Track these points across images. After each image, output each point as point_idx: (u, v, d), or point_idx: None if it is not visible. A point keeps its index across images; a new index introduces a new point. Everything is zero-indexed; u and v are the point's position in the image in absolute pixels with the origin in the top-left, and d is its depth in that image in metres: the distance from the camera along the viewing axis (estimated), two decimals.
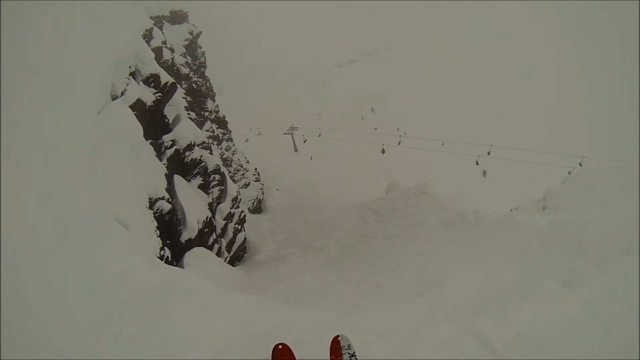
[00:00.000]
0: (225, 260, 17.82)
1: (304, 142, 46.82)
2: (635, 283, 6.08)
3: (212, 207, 18.15)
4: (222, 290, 7.66)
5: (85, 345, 4.42)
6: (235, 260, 19.88)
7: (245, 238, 20.70)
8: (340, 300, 12.01)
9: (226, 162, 28.33)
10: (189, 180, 16.95)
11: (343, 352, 4.98)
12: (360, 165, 42.23)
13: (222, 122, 31.33)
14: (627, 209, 10.23)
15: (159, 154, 14.64)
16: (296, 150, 48.13)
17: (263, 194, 30.68)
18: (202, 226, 15.65)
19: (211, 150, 19.23)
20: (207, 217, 16.25)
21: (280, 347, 4.83)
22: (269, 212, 29.72)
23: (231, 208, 19.59)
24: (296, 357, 4.87)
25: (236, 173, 29.22)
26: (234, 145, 32.11)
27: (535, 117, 51.36)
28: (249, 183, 29.82)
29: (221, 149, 28.78)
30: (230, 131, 32.93)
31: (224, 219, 18.81)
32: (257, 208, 29.33)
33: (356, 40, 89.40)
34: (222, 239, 18.32)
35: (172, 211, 12.96)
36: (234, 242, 19.54)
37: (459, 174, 37.42)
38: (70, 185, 6.36)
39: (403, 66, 76.41)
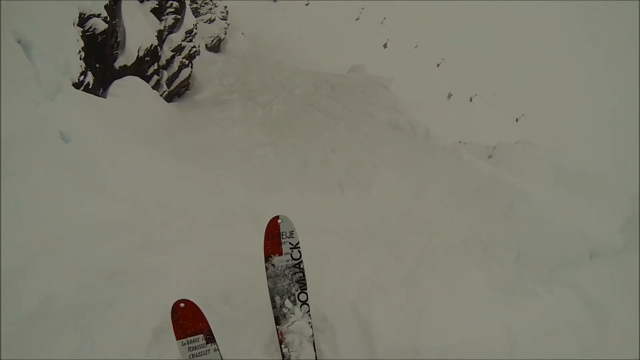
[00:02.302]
0: (162, 94, 16.98)
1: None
2: None
3: (162, 36, 16.89)
4: (114, 139, 7.19)
5: None
6: (175, 95, 19.02)
7: (190, 74, 19.58)
8: (258, 166, 11.67)
9: None
10: (141, 1, 15.53)
11: (283, 240, 3.87)
12: (334, 37, 40.27)
13: None
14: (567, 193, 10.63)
15: None
16: (275, 0, 45.02)
17: (226, 34, 28.95)
18: (144, 54, 14.57)
19: None
20: (151, 45, 15.10)
21: (182, 305, 3.50)
22: (227, 53, 28.30)
23: (183, 40, 18.29)
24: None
25: (203, 6, 27.23)
26: None
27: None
28: (214, 19, 27.90)
29: None
30: None
31: (172, 50, 17.59)
32: (216, 47, 27.78)
33: None
34: (165, 71, 17.28)
35: (109, 32, 11.85)
36: (177, 76, 18.49)
37: (427, 88, 36.47)
38: None
39: None
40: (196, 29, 19.63)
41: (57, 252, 4.26)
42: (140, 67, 14.72)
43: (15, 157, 4.66)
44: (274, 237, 3.89)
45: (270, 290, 3.80)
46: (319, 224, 7.61)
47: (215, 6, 28.85)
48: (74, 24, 9.46)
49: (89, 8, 10.28)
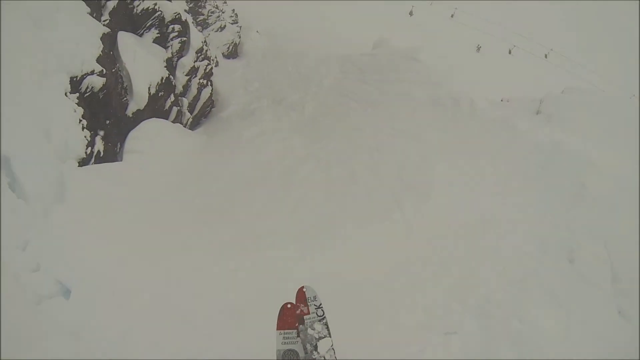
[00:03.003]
0: (186, 123, 15.96)
1: None
2: None
3: (172, 63, 15.77)
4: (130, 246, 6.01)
5: None
6: (201, 117, 18.01)
7: (211, 93, 18.48)
8: (303, 195, 10.29)
9: (199, 4, 24.98)
10: (141, 35, 14.40)
11: (309, 303, 4.66)
12: (353, 13, 37.74)
13: None
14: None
15: (99, 10, 12.01)
16: None
17: (240, 37, 27.60)
18: (156, 90, 13.53)
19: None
20: (162, 78, 14.03)
21: (288, 306, 4.58)
22: (245, 56, 26.99)
23: (195, 61, 17.10)
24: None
25: (210, 15, 25.91)
26: None
27: None
28: (225, 26, 26.61)
29: None
30: None
31: (186, 75, 16.46)
32: (233, 52, 26.56)
33: None
34: (184, 98, 16.20)
35: (111, 84, 10.76)
36: (199, 99, 17.42)
37: (453, 46, 33.82)
38: None
39: None
40: (206, 45, 18.37)
41: None
42: (156, 105, 13.69)
43: None
44: (302, 301, 4.66)
45: (302, 340, 4.41)
46: (386, 277, 6.47)
47: (223, 12, 27.46)
48: (65, 94, 8.37)
49: (79, 69, 9.14)
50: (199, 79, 17.29)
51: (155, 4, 14.46)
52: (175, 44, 15.84)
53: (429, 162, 10.57)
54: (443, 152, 10.96)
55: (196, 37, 17.47)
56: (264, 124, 16.22)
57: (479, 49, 35.96)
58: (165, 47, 15.44)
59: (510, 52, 36.28)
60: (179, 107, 15.37)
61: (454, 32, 37.26)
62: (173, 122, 14.83)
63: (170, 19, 15.36)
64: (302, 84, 19.86)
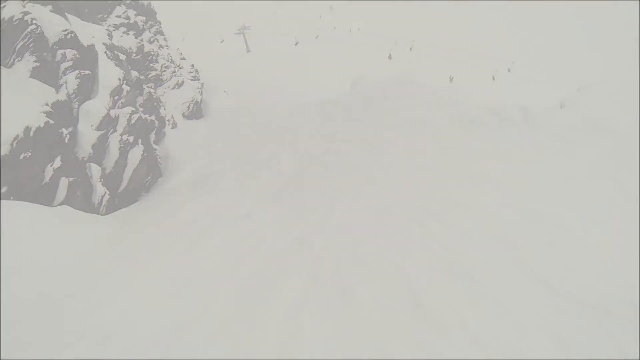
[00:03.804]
0: (100, 203, 9.63)
1: (296, 44, 37.81)
2: None
3: (70, 109, 9.65)
4: None
5: None
6: (142, 190, 11.72)
7: (144, 155, 11.91)
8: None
9: (149, 56, 19.36)
10: (9, 65, 8.44)
11: None
12: (320, 65, 33.22)
13: (146, 11, 22.22)
14: None
15: None
16: (248, 51, 37.82)
17: (201, 94, 21.86)
18: (11, 149, 7.34)
19: (66, 16, 10.40)
20: (31, 130, 7.91)
21: None
22: (211, 115, 21.16)
23: (111, 108, 10.87)
24: None
25: (165, 70, 20.25)
26: (164, 39, 22.84)
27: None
28: (183, 82, 20.91)
29: (141, 40, 19.65)
30: (160, 23, 23.45)
31: (96, 129, 10.22)
32: (195, 112, 20.64)
33: None
34: (92, 164, 9.92)
35: None
36: (126, 164, 11.11)
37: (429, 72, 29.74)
38: None
39: None
40: (125, 84, 12.11)
41: None
42: (18, 175, 7.43)
43: None
44: None
45: None
46: None
47: (180, 67, 21.91)
48: None
49: None
50: (121, 135, 11.05)
51: (25, 14, 8.60)
52: (71, 80, 9.77)
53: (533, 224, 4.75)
54: (528, 195, 5.77)
55: (109, 71, 11.45)
56: (219, 194, 10.48)
57: (451, 79, 31.65)
58: (57, 86, 9.42)
59: (493, 79, 32.56)
60: (74, 179, 9.04)
61: (420, 65, 33.58)
62: (62, 203, 8.49)
63: (56, 39, 9.45)
64: (276, 135, 14.84)
